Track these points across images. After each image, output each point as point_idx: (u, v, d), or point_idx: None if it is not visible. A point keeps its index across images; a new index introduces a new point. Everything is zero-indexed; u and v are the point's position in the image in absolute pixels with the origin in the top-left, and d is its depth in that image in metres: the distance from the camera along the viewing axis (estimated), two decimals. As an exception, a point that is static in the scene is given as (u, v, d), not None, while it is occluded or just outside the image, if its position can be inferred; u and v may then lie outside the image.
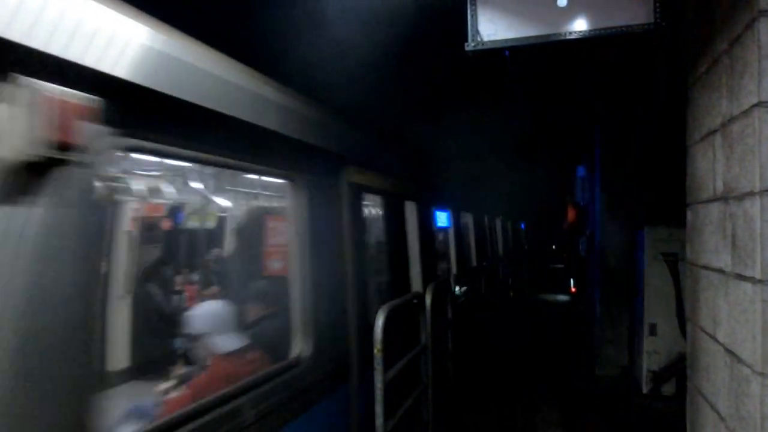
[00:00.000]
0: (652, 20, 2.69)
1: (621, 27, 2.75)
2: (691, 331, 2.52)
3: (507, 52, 3.40)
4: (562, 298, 15.97)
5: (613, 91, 6.51)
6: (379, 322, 3.05)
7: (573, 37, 2.80)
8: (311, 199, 2.93)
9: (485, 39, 2.91)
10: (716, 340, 2.05)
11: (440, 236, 6.91)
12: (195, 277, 4.72)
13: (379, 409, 3.02)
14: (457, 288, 6.89)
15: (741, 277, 1.76)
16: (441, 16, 3.85)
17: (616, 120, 7.22)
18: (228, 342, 2.95)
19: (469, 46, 2.94)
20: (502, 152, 9.98)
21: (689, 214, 2.52)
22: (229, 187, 4.85)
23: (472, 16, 2.94)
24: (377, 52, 4.75)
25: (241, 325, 3.20)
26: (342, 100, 4.02)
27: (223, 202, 4.70)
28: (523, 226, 19.23)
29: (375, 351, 3.01)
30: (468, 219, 8.72)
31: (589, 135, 8.38)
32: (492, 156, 10.07)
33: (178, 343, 3.78)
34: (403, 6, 4.04)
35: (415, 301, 4.03)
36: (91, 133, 1.51)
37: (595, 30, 2.78)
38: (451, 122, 7.26)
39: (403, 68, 5.64)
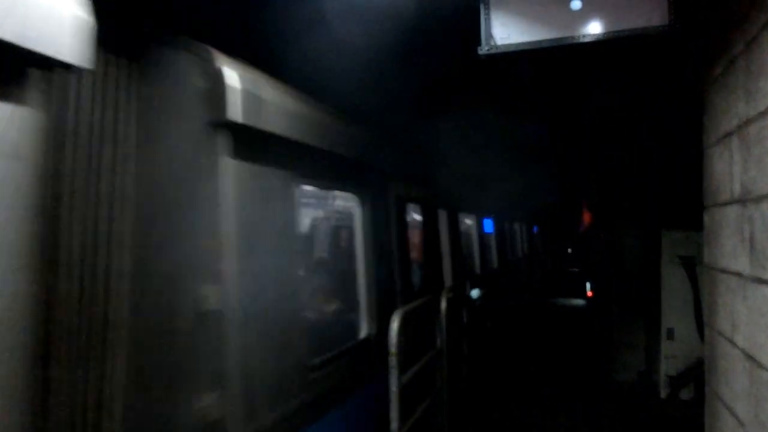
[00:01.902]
0: (667, 22, 2.67)
1: (635, 29, 2.73)
2: (709, 335, 2.49)
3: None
4: (579, 302, 15.81)
5: (626, 93, 6.45)
6: (394, 325, 3.03)
7: (587, 40, 2.79)
8: None
9: (499, 43, 2.91)
10: (735, 345, 2.03)
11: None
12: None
13: (394, 412, 3.00)
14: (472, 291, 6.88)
15: (760, 281, 1.74)
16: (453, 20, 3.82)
17: (630, 122, 7.16)
18: None
19: (483, 50, 2.94)
20: (517, 155, 9.90)
21: (706, 217, 2.50)
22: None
23: (485, 20, 2.94)
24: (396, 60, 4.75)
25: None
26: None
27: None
28: (538, 229, 19.12)
29: (390, 354, 3.00)
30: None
31: (603, 137, 8.30)
32: (507, 159, 10.00)
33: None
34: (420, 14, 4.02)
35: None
36: None
37: (609, 33, 2.76)
38: (472, 133, 7.25)
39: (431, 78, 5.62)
